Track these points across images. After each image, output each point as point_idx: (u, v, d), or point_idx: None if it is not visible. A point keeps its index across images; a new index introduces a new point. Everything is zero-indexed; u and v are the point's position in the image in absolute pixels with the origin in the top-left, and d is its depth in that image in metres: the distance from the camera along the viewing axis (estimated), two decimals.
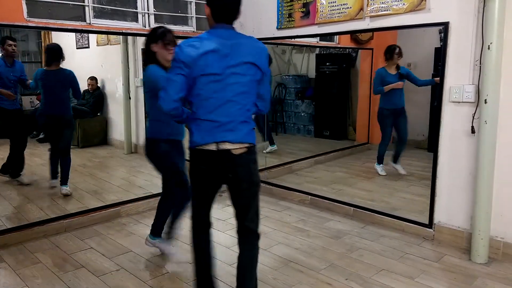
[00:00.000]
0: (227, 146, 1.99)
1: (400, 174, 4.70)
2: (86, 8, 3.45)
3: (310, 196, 4.13)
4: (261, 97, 2.13)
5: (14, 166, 4.50)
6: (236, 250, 2.74)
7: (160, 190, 2.97)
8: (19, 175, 4.53)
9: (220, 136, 1.99)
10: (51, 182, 4.37)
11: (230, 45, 1.98)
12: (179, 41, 2.15)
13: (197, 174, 2.10)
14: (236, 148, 2.00)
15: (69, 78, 4.15)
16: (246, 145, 2.03)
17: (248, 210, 2.13)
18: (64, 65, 4.19)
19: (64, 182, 4.19)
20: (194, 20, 4.31)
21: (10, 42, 4.24)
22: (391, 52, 4.55)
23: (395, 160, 4.76)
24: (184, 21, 4.19)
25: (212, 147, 1.99)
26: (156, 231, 2.99)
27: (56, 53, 4.12)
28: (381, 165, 4.86)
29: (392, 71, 4.59)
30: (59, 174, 4.25)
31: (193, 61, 1.93)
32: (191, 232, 2.22)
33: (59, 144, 4.23)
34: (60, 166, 4.22)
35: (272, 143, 5.83)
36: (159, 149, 2.72)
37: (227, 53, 1.96)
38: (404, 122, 4.69)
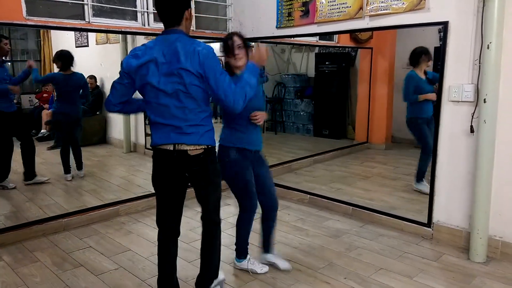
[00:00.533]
0: (184, 147, 2.07)
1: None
2: (86, 7, 3.44)
3: (309, 195, 4.13)
4: (219, 97, 2.00)
5: (4, 169, 4.31)
6: (232, 248, 2.77)
7: None
8: (4, 179, 4.33)
9: (176, 138, 2.06)
10: (65, 177, 4.74)
11: (167, 53, 1.99)
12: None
13: (158, 174, 2.18)
14: (192, 149, 2.07)
15: (82, 81, 4.74)
16: (203, 146, 2.09)
17: (208, 204, 2.23)
18: None
19: (79, 167, 4.85)
20: (193, 19, 4.29)
21: (6, 41, 4.10)
22: (427, 53, 4.09)
23: (420, 178, 4.18)
24: None
25: (170, 147, 2.08)
26: (240, 252, 2.77)
27: (69, 59, 4.58)
28: (423, 180, 4.15)
29: (422, 76, 4.15)
30: (71, 168, 4.78)
31: (134, 71, 2.03)
32: (157, 238, 2.29)
33: (71, 139, 4.76)
34: (74, 156, 4.80)
35: None
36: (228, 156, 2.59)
37: (164, 62, 1.99)
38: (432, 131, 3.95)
